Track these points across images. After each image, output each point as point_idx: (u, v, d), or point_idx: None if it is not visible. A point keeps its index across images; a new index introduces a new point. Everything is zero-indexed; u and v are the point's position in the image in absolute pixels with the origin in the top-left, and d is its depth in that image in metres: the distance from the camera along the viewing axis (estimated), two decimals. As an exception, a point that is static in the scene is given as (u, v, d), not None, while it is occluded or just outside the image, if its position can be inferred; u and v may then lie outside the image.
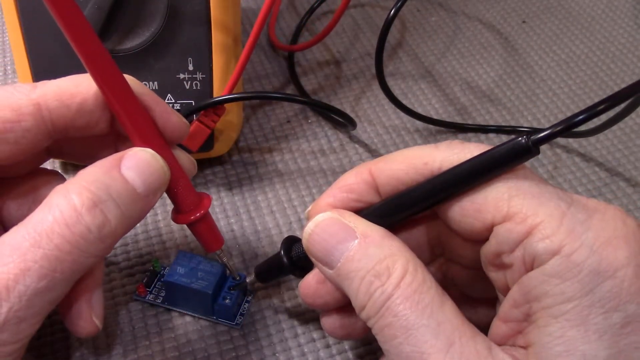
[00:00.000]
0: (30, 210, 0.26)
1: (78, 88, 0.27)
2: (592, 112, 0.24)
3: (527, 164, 0.26)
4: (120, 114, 0.27)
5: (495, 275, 0.26)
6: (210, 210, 0.39)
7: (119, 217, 0.26)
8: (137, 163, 0.27)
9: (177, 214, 0.30)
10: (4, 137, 0.27)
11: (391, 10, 0.40)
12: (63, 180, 0.32)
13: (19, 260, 0.24)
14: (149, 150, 0.28)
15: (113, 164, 0.27)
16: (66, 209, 0.25)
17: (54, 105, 0.27)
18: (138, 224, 0.38)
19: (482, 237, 0.26)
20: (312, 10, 0.54)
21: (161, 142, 0.28)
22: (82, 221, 0.25)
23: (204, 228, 0.31)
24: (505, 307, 0.25)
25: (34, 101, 0.27)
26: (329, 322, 0.31)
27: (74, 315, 0.29)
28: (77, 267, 0.25)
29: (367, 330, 0.27)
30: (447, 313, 0.25)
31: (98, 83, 0.27)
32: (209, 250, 0.32)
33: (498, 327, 0.26)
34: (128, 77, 0.28)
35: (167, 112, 0.29)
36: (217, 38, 0.37)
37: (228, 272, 0.34)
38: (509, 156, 0.25)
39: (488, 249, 0.25)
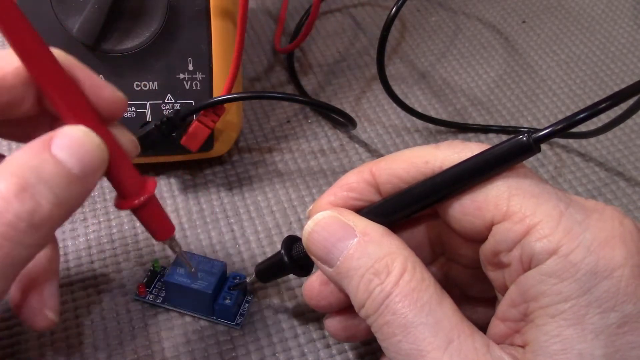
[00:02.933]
0: None
1: None
2: (593, 110, 0.24)
3: (530, 165, 0.26)
4: (47, 89, 0.25)
5: (493, 275, 0.26)
6: (210, 210, 0.40)
7: (53, 201, 0.23)
8: (69, 142, 0.24)
9: (120, 200, 0.28)
10: None
11: (392, 10, 0.40)
12: None
13: None
14: (82, 127, 0.25)
15: (43, 145, 0.24)
16: None
17: None
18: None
19: (481, 236, 0.26)
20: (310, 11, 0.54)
21: (95, 119, 0.26)
22: (9, 209, 0.22)
23: (149, 214, 0.29)
24: (503, 306, 0.25)
25: None
26: (333, 324, 0.31)
27: (26, 310, 0.28)
28: (11, 260, 0.23)
29: (371, 332, 0.27)
30: (446, 311, 0.25)
31: (20, 55, 0.24)
32: (158, 239, 0.30)
33: (496, 326, 0.26)
34: (54, 50, 0.25)
35: (98, 85, 0.26)
36: (217, 38, 0.37)
37: (178, 262, 0.32)
38: (511, 154, 0.25)
39: (487, 247, 0.26)
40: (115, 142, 0.26)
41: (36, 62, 0.24)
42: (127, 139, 0.28)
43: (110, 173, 0.27)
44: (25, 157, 0.24)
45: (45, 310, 0.28)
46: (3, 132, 0.29)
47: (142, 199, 0.28)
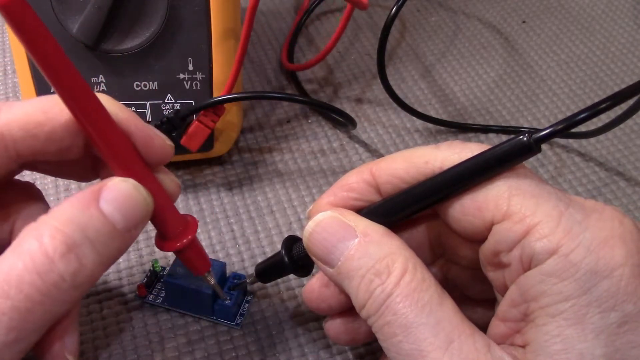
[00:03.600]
0: (1, 228, 0.24)
1: (47, 115, 0.25)
2: (593, 111, 0.24)
3: (530, 165, 0.26)
4: (96, 141, 0.25)
5: (493, 275, 0.26)
6: (210, 210, 0.40)
7: (96, 260, 0.24)
8: (116, 196, 0.25)
9: (163, 241, 0.29)
10: None
11: (392, 10, 0.40)
12: (37, 193, 0.31)
13: None
14: (131, 180, 0.25)
15: (90, 198, 0.24)
16: (37, 254, 0.23)
17: (19, 135, 0.25)
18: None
19: (481, 236, 0.26)
20: (310, 11, 0.54)
21: (143, 169, 0.26)
22: (54, 269, 0.23)
23: (191, 253, 0.30)
24: (504, 306, 0.25)
25: None
26: (333, 327, 0.31)
27: (48, 355, 0.28)
28: (49, 315, 0.24)
29: (371, 335, 0.27)
30: (446, 311, 0.25)
31: (70, 108, 0.24)
32: (197, 274, 0.31)
33: (496, 326, 0.26)
34: (103, 97, 0.26)
35: (148, 135, 0.27)
36: (217, 38, 0.37)
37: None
38: (511, 154, 0.25)
39: (486, 247, 0.26)
40: (160, 188, 0.27)
41: (86, 117, 0.24)
42: (170, 182, 0.28)
43: (154, 218, 0.27)
44: (73, 212, 0.24)
45: (66, 353, 0.28)
46: (42, 168, 0.30)
47: (184, 241, 0.28)
